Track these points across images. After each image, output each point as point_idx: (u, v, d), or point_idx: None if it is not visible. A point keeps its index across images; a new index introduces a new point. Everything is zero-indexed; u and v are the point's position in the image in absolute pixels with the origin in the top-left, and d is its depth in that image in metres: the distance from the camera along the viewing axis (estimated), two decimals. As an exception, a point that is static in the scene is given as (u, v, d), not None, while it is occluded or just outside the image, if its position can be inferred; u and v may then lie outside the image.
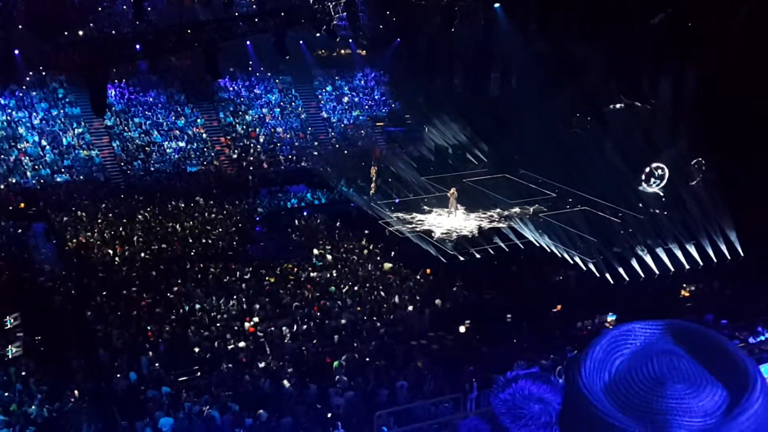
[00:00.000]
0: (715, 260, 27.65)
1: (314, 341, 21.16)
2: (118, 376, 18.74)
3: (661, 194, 35.04)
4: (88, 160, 37.08)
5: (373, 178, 36.12)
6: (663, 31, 33.80)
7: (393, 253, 27.86)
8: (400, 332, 22.13)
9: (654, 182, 35.23)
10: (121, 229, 29.63)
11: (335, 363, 19.76)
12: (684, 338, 1.41)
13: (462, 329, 22.21)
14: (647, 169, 35.06)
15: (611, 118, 38.72)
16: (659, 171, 35.05)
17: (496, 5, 41.52)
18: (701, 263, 27.32)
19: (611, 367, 1.37)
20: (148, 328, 21.65)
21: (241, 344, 20.82)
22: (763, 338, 21.34)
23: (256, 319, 22.34)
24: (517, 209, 34.30)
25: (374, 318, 22.73)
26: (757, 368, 1.29)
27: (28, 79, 36.44)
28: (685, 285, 25.55)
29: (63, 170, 36.17)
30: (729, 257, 27.62)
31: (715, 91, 30.96)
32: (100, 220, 30.57)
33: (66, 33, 36.29)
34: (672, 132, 34.05)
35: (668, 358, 1.34)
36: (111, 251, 27.53)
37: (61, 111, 38.67)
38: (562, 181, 37.14)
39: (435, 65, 43.38)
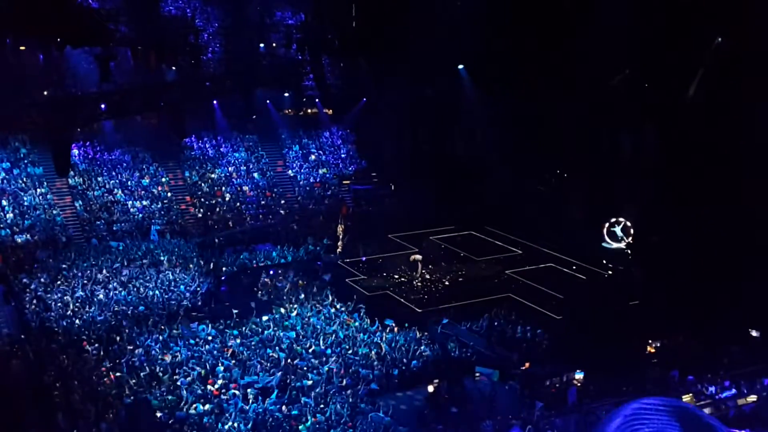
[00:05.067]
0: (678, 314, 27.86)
1: (280, 403, 20.74)
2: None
3: (625, 249, 35.54)
4: (50, 220, 36.50)
5: (340, 237, 36.12)
6: (622, 91, 34.78)
7: (361, 310, 27.62)
8: (367, 392, 21.84)
9: (618, 237, 35.80)
10: (81, 290, 28.99)
11: (301, 426, 19.40)
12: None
13: (430, 388, 22.00)
14: (610, 225, 35.64)
15: (574, 174, 39.46)
16: (621, 225, 35.66)
17: (460, 66, 42.49)
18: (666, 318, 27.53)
19: None
20: (111, 392, 21.05)
21: (206, 407, 20.33)
22: (729, 394, 21.45)
23: (220, 382, 21.88)
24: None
25: (341, 378, 22.39)
26: None
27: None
28: (650, 341, 25.64)
29: (24, 230, 35.50)
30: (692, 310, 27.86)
31: (672, 149, 31.81)
32: (59, 282, 29.89)
33: (31, 93, 36.10)
34: (632, 189, 34.75)
35: None
36: (71, 312, 26.89)
37: (23, 171, 38.20)
38: (528, 238, 37.60)
39: (401, 124, 43.95)
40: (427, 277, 32.90)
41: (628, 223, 35.26)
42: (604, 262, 34.20)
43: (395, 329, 26.04)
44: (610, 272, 33.59)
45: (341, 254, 35.63)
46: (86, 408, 20.04)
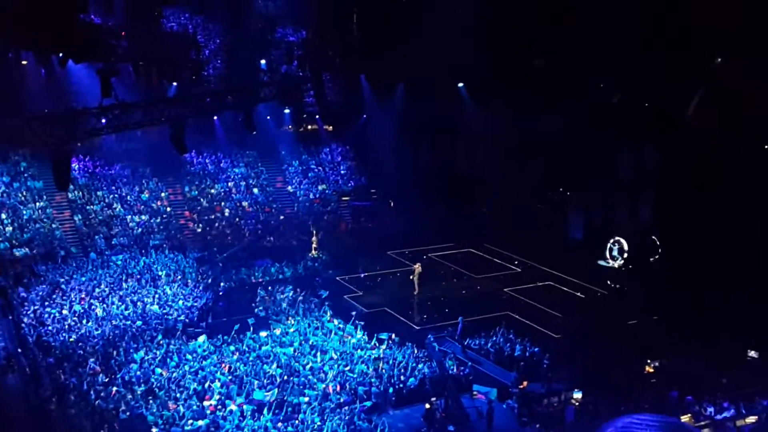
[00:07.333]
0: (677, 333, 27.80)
1: (276, 420, 20.63)
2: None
3: (621, 268, 35.53)
4: (49, 234, 36.45)
5: (314, 233, 37.19)
6: (622, 110, 34.90)
7: (359, 326, 27.49)
8: (365, 408, 21.74)
9: (614, 256, 35.84)
10: (79, 304, 28.91)
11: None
12: None
13: (427, 406, 21.89)
14: (609, 245, 35.76)
15: (573, 193, 39.51)
16: (618, 245, 35.70)
17: (460, 84, 42.66)
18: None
19: None
20: (107, 407, 20.93)
21: (200, 423, 20.22)
22: (728, 414, 21.38)
23: (216, 397, 21.77)
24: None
25: (338, 394, 22.29)
26: None
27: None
28: (649, 361, 25.53)
29: (23, 244, 35.44)
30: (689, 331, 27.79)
31: (672, 167, 31.90)
32: (56, 296, 29.80)
33: (32, 107, 36.13)
34: (632, 207, 34.83)
35: None
36: (68, 327, 26.79)
37: (23, 184, 38.22)
38: (527, 256, 37.58)
39: (401, 141, 44.06)
40: (427, 294, 32.88)
41: (624, 243, 35.33)
42: (609, 283, 34.09)
43: (393, 345, 25.92)
44: (612, 287, 33.55)
45: (317, 250, 36.32)
46: (82, 423, 19.93)
